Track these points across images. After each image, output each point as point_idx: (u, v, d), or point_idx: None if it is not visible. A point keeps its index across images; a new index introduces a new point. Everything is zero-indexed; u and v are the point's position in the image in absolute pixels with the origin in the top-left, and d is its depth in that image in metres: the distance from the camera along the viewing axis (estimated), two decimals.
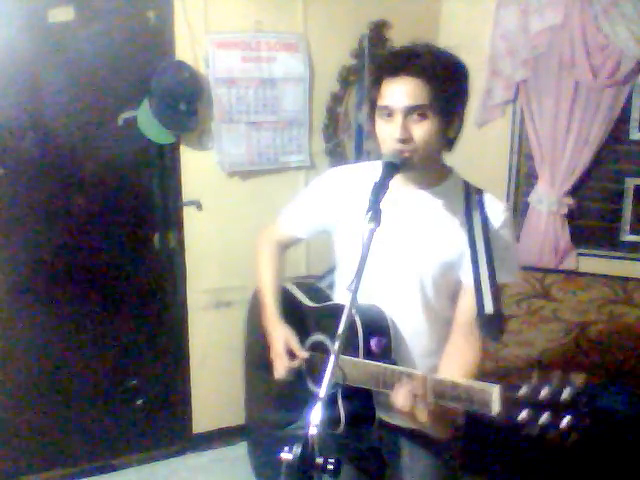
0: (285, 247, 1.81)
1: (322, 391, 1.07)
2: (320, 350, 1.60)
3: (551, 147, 3.17)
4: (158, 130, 2.80)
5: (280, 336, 1.66)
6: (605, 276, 3.13)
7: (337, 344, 1.15)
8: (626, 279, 3.09)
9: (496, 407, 1.15)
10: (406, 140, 1.40)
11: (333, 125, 3.22)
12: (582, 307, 3.13)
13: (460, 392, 1.23)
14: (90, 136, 2.78)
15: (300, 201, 1.74)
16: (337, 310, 1.43)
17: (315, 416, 1.02)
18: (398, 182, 1.47)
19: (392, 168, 1.39)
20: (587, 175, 3.21)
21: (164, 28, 2.82)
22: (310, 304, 1.71)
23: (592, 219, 3.32)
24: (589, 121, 3.06)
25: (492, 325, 1.42)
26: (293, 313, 1.71)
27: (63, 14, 2.64)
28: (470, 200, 1.51)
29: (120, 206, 2.91)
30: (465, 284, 1.51)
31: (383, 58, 1.50)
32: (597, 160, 3.17)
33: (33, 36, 2.61)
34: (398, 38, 3.31)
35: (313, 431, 0.99)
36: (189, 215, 3.02)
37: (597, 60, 2.95)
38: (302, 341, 1.66)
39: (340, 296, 1.68)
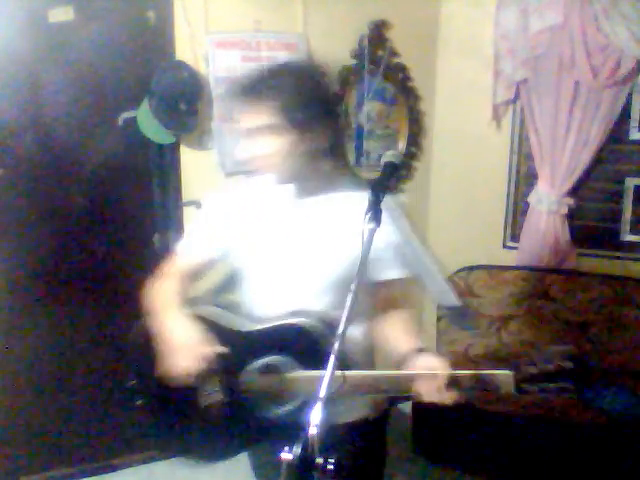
0: (193, 278, 1.70)
1: (322, 391, 1.07)
2: (273, 372, 1.51)
3: (551, 147, 3.17)
4: (158, 130, 2.80)
5: (183, 327, 1.52)
6: (605, 276, 3.14)
7: (337, 344, 1.15)
8: (626, 279, 3.09)
9: (512, 388, 1.34)
10: (262, 158, 1.50)
11: None
12: (582, 307, 3.13)
13: (476, 381, 1.37)
14: (90, 136, 2.78)
15: (200, 225, 1.72)
16: (290, 329, 1.49)
17: (315, 416, 1.01)
18: (290, 195, 1.58)
19: (392, 168, 1.41)
20: (587, 175, 3.22)
21: (164, 28, 2.82)
22: (245, 328, 1.58)
23: (592, 219, 3.32)
24: (589, 121, 3.07)
25: (461, 316, 1.52)
26: (219, 339, 1.55)
27: (63, 14, 2.64)
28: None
29: (120, 206, 2.91)
30: (389, 280, 1.59)
31: (239, 80, 1.54)
32: (597, 160, 3.17)
33: (33, 36, 2.61)
34: (398, 38, 3.32)
35: (313, 431, 0.99)
36: (189, 215, 3.02)
37: (597, 60, 2.95)
38: (241, 366, 1.53)
39: (265, 310, 1.61)
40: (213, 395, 1.56)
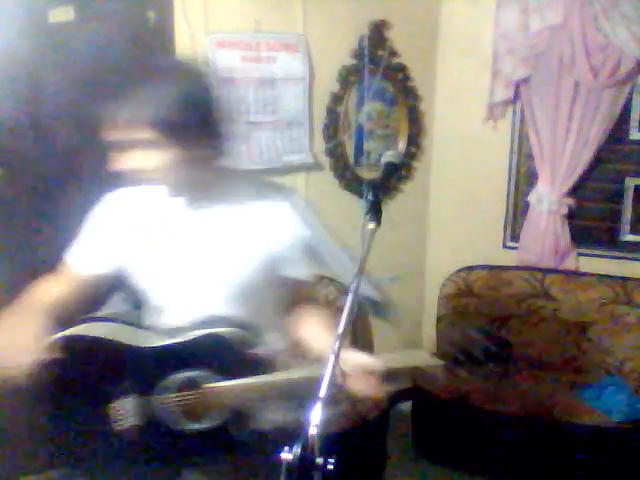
0: (82, 292, 1.62)
1: (322, 390, 1.07)
2: (191, 387, 1.43)
3: (551, 147, 3.18)
4: None
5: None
6: (605, 276, 3.14)
7: (337, 344, 1.15)
8: (626, 279, 3.09)
9: (443, 375, 1.40)
10: (142, 172, 1.40)
11: (333, 125, 3.22)
12: (582, 307, 3.13)
13: (409, 372, 1.40)
14: (90, 136, 2.78)
15: (93, 238, 1.67)
16: (210, 341, 1.41)
17: (315, 416, 1.01)
18: (182, 204, 1.50)
19: (392, 168, 1.41)
20: (587, 175, 3.22)
21: (164, 28, 2.82)
22: (152, 343, 1.47)
23: (592, 219, 3.33)
24: (589, 121, 3.07)
25: (380, 309, 1.53)
26: (127, 358, 1.47)
27: (63, 14, 2.64)
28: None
29: None
30: (295, 278, 1.52)
31: (108, 92, 1.44)
32: (597, 160, 3.18)
33: (33, 36, 2.61)
34: (398, 38, 3.32)
35: (313, 431, 0.99)
36: None
37: (597, 60, 2.95)
38: (152, 384, 1.44)
39: (172, 322, 1.53)
40: (126, 418, 1.47)
